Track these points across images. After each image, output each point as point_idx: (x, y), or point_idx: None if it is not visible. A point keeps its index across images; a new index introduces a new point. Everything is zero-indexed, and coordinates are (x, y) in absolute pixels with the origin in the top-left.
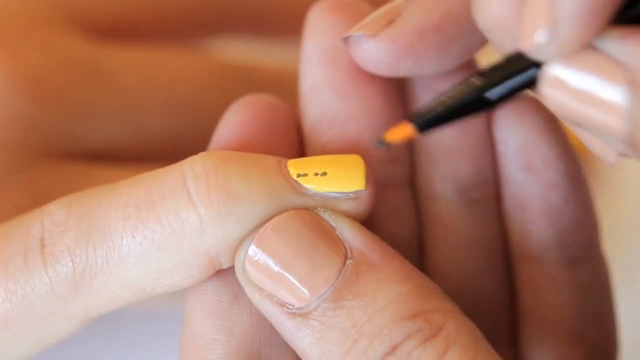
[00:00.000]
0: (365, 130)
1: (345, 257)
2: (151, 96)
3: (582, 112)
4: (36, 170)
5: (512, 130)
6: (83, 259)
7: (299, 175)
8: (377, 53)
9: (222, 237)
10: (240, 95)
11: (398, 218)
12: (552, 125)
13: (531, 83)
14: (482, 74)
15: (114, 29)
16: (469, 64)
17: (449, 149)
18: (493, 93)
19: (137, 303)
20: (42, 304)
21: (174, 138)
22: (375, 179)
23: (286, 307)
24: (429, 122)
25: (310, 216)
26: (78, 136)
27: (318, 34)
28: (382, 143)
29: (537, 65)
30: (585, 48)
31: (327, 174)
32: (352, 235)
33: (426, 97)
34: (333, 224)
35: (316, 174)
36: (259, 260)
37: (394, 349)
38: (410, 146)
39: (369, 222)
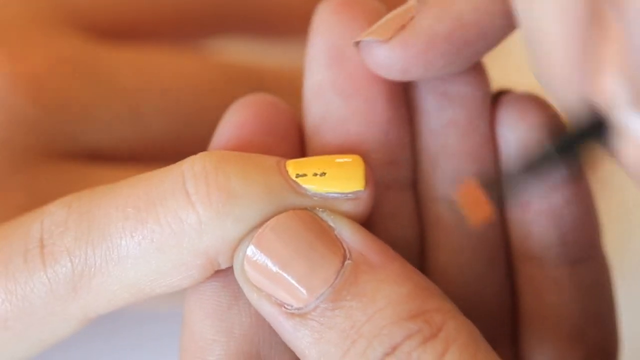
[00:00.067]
0: (367, 132)
1: (344, 258)
2: (151, 97)
3: None
4: (36, 170)
5: (515, 130)
6: (82, 259)
7: (298, 176)
8: (388, 59)
9: (221, 237)
10: (240, 95)
11: (399, 219)
12: (555, 125)
13: (602, 140)
14: (554, 139)
15: (114, 30)
16: (476, 66)
17: (451, 150)
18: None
19: (136, 304)
20: (41, 305)
21: (175, 138)
22: (375, 180)
23: (285, 307)
24: (502, 187)
25: (309, 216)
26: (78, 136)
27: (324, 33)
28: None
29: (608, 122)
30: None
31: (327, 175)
32: (351, 235)
33: (429, 98)
34: (332, 224)
35: (315, 174)
36: (257, 261)
37: (393, 349)
38: (411, 147)
39: (370, 223)
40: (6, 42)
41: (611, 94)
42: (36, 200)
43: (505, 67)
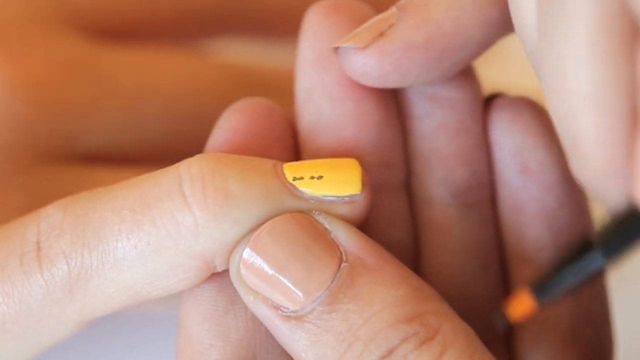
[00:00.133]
0: (360, 134)
1: (341, 260)
2: (151, 97)
3: None
4: (36, 171)
5: (507, 133)
6: (78, 262)
7: (294, 179)
8: (365, 66)
9: (218, 239)
10: (240, 96)
11: (393, 222)
12: (547, 128)
13: None
14: (599, 239)
15: (114, 30)
16: (465, 70)
17: (444, 152)
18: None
19: (132, 306)
20: (38, 307)
21: (174, 140)
22: (372, 184)
23: (281, 310)
24: (549, 292)
25: (306, 219)
26: (78, 137)
27: (313, 36)
28: (503, 319)
29: None
30: None
31: (323, 178)
32: (347, 238)
33: (419, 102)
34: (328, 227)
35: (312, 178)
36: (253, 264)
37: (390, 352)
38: (405, 150)
39: (365, 225)
40: (6, 42)
41: None
42: (36, 200)
43: (505, 68)
